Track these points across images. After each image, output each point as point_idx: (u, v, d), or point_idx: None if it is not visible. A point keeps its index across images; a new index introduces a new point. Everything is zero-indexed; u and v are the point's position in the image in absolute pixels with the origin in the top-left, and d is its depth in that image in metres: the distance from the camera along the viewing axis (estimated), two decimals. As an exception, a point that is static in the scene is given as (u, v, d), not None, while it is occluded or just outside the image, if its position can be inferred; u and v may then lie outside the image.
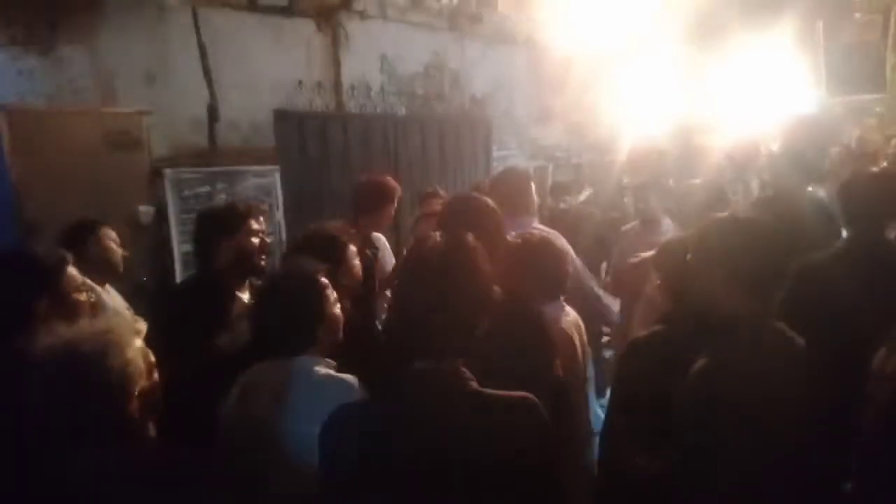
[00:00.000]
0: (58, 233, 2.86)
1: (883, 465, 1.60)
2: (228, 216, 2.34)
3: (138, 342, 1.43)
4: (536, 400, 1.34)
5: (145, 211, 3.94)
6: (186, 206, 4.02)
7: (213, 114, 4.31)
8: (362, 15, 5.41)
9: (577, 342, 2.34)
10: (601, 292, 2.97)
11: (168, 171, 4.03)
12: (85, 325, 1.42)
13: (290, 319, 1.71)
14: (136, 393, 1.38)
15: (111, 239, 2.87)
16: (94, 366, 1.34)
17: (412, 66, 5.84)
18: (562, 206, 5.01)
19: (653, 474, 1.65)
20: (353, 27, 5.35)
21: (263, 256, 2.40)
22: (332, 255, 2.06)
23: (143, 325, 1.48)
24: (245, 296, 2.40)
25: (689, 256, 1.72)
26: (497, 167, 6.37)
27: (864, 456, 1.66)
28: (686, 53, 7.51)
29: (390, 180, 3.28)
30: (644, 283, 2.61)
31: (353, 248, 2.14)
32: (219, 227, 2.32)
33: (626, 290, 2.65)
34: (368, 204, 3.16)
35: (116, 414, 1.36)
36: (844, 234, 2.52)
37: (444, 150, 5.55)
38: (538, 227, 2.76)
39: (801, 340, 1.64)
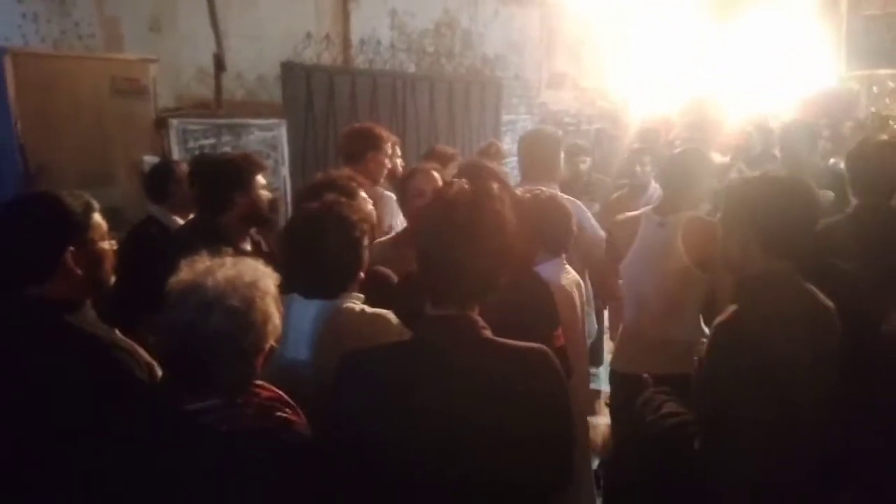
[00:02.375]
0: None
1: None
2: (239, 172, 2.34)
3: (275, 292, 1.36)
4: (548, 349, 1.35)
5: (150, 161, 3.90)
6: (190, 159, 3.98)
7: (219, 64, 4.23)
8: (373, -33, 5.30)
9: (577, 300, 2.35)
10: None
11: (174, 122, 3.98)
12: (231, 270, 1.33)
13: (336, 263, 1.69)
14: (266, 349, 1.34)
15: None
16: (236, 321, 1.27)
17: (423, 22, 5.72)
18: (582, 166, 4.95)
19: (677, 424, 1.67)
20: (363, -21, 5.24)
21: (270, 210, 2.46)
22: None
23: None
24: (247, 246, 2.40)
25: (718, 216, 1.74)
26: (505, 131, 6.31)
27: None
28: (704, 22, 7.34)
29: (377, 128, 3.15)
30: (629, 242, 2.64)
31: (363, 194, 2.12)
32: (231, 184, 2.32)
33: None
34: (353, 153, 3.05)
35: (242, 372, 1.32)
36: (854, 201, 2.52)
37: (452, 110, 5.48)
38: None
39: (829, 303, 1.64)
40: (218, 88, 4.32)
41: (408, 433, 1.26)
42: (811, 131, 3.79)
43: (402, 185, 2.56)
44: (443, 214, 1.32)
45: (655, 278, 2.57)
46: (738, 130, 5.14)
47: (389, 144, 3.15)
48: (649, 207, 2.72)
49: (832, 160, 4.15)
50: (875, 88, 8.55)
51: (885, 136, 2.62)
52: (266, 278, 1.35)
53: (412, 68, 5.49)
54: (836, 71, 8.76)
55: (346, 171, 2.33)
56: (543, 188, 2.41)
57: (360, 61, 5.12)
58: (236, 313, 1.27)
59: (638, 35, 7.17)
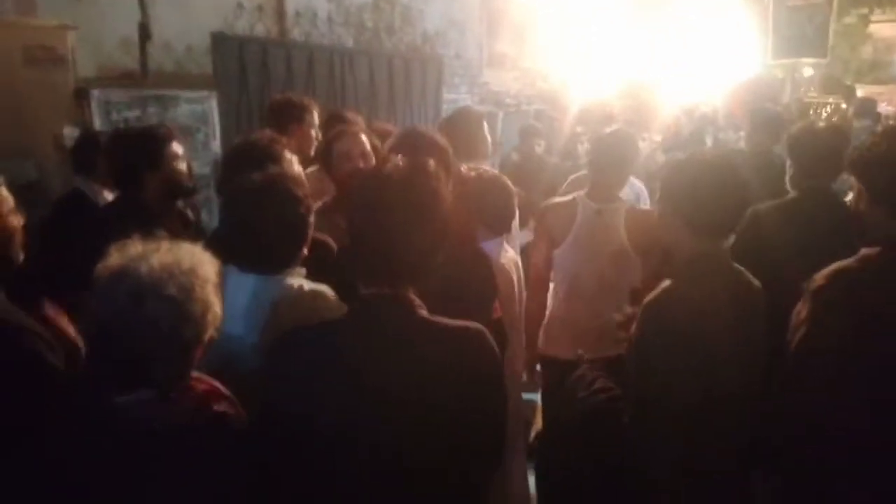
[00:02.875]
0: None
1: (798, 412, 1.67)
2: (149, 145, 2.22)
3: (215, 280, 1.27)
4: (484, 328, 1.34)
5: (70, 133, 3.68)
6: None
7: (144, 33, 4.01)
8: (309, -64, 5.12)
9: (515, 279, 2.37)
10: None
11: (95, 92, 3.76)
12: (167, 255, 1.22)
13: (280, 240, 1.63)
14: (207, 340, 1.26)
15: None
16: (173, 312, 1.17)
17: (361, -4, 5.60)
18: (537, 149, 4.98)
19: (608, 399, 1.70)
20: (299, -51, 5.05)
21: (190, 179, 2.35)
22: (274, 163, 1.96)
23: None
24: (171, 220, 2.31)
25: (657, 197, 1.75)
26: (447, 109, 6.27)
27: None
28: (637, 7, 7.50)
29: (301, 98, 3.00)
30: (563, 226, 2.65)
31: (290, 155, 2.04)
32: (142, 158, 2.20)
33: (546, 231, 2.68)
34: (276, 126, 2.87)
35: (178, 365, 1.24)
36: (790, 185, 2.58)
37: (393, 86, 5.39)
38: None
39: (757, 283, 1.68)
40: (143, 59, 4.11)
41: (341, 413, 1.23)
42: (777, 119, 3.82)
43: (327, 148, 2.45)
44: (376, 192, 1.27)
45: (593, 264, 2.59)
46: (670, 115, 5.29)
47: (315, 114, 2.98)
48: (582, 193, 2.72)
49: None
50: (796, 76, 8.97)
51: (820, 122, 2.65)
52: (206, 264, 1.26)
53: (350, 43, 5.36)
54: (762, 59, 9.12)
55: (267, 133, 2.22)
56: (485, 167, 2.40)
57: (295, 34, 4.96)
58: (173, 303, 1.18)
59: (576, 18, 7.26)
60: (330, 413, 1.23)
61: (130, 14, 4.08)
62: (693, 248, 1.63)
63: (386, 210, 1.24)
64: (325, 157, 2.43)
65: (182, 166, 2.26)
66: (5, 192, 1.53)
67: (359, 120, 3.38)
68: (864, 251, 1.67)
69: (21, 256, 1.56)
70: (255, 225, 1.60)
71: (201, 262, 1.26)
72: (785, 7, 9.28)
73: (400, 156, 1.36)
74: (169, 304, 1.18)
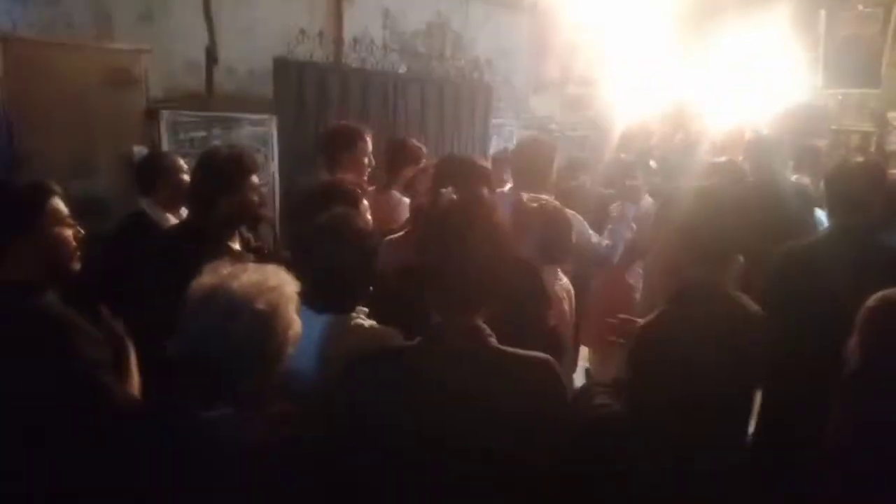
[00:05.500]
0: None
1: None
2: (233, 172, 2.28)
3: (296, 299, 1.34)
4: (553, 360, 1.39)
5: (139, 151, 3.88)
6: (182, 150, 3.94)
7: (211, 57, 4.22)
8: (366, -34, 5.29)
9: (567, 307, 2.41)
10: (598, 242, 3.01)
11: (165, 113, 3.97)
12: (255, 274, 1.30)
13: (353, 277, 1.67)
14: (286, 357, 1.32)
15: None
16: (262, 326, 1.25)
17: (414, 23, 5.74)
18: (573, 183, 4.95)
19: (607, 414, 1.74)
20: (356, -22, 5.23)
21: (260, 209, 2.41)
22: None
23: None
24: (236, 245, 2.38)
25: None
26: (492, 135, 6.36)
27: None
28: (685, 34, 7.49)
29: (354, 127, 3.05)
30: None
31: (365, 202, 2.12)
32: (222, 183, 2.26)
33: None
34: (329, 152, 2.97)
35: (260, 380, 1.30)
36: (826, 220, 2.57)
37: (443, 112, 5.51)
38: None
39: (755, 308, 1.73)
40: (209, 81, 4.30)
41: (413, 434, 1.29)
42: (781, 146, 3.85)
43: (411, 182, 2.58)
44: (438, 227, 1.37)
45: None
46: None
47: (368, 141, 3.01)
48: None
49: (795, 177, 4.23)
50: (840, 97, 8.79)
51: (857, 158, 2.63)
52: (289, 284, 1.34)
53: (403, 69, 5.51)
54: (812, 88, 8.98)
55: (349, 177, 2.32)
56: (546, 198, 2.46)
57: (352, 59, 5.12)
58: (262, 317, 1.25)
59: (622, 44, 7.29)
60: (403, 433, 1.30)
61: (198, 38, 4.30)
62: (690, 275, 1.69)
63: (452, 243, 1.32)
64: (411, 191, 2.57)
65: (255, 198, 2.34)
66: (56, 204, 1.60)
67: (422, 148, 3.45)
68: None
69: (77, 265, 1.64)
70: (334, 265, 1.64)
71: (285, 281, 1.35)
72: (837, 37, 9.14)
73: (451, 188, 1.43)
74: (258, 318, 1.25)
